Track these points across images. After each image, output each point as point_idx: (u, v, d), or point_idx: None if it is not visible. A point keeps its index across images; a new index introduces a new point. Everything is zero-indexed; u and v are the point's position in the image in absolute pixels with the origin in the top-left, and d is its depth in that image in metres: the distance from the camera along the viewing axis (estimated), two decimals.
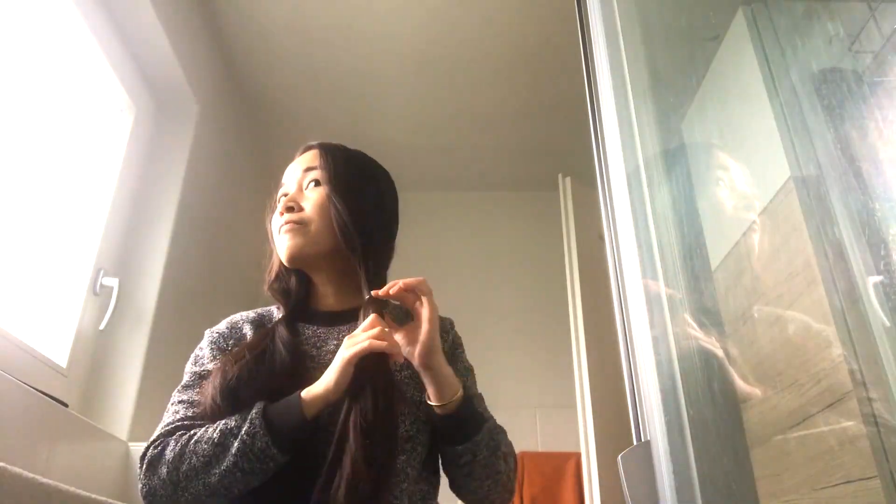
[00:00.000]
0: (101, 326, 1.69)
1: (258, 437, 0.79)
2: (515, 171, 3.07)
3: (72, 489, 0.99)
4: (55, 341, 1.56)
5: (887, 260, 0.99)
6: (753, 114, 1.34)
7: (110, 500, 1.12)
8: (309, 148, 1.08)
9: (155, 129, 2.04)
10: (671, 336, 0.80)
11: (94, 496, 1.06)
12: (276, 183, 1.08)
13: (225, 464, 0.79)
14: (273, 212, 1.05)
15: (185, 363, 0.99)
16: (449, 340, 1.04)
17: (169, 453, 0.82)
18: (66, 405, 1.39)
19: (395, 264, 1.07)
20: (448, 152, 2.95)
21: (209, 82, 2.25)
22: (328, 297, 1.03)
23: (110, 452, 1.55)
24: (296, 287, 1.03)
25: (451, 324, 1.09)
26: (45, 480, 0.92)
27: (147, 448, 0.85)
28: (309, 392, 0.82)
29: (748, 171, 1.34)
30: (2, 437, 1.14)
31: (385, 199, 1.07)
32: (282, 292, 1.03)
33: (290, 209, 0.99)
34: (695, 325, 1.00)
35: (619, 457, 0.69)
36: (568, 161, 2.56)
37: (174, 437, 0.84)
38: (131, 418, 1.66)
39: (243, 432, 0.79)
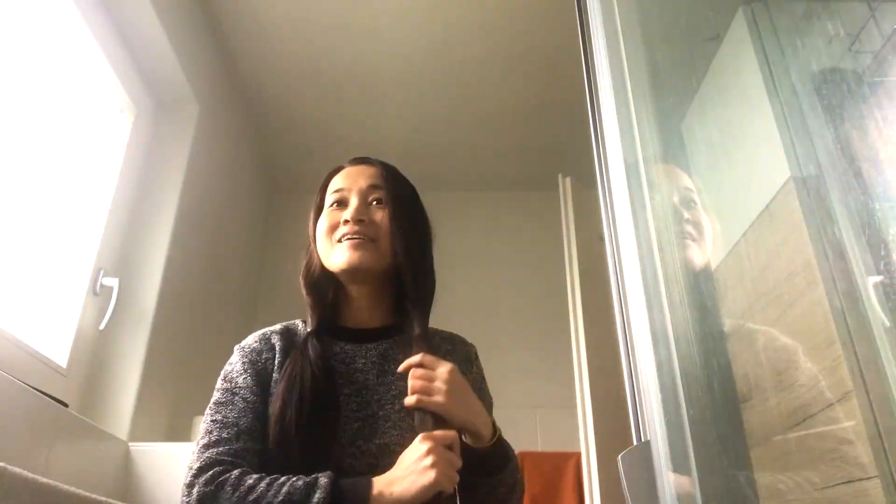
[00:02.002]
0: (101, 326, 1.69)
1: None
2: (515, 171, 3.07)
3: (72, 489, 0.99)
4: (55, 341, 1.56)
5: (887, 260, 0.99)
6: (753, 114, 1.34)
7: (110, 500, 1.12)
8: (365, 161, 1.08)
9: (155, 129, 2.04)
10: (671, 336, 0.79)
11: (94, 496, 1.06)
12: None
13: None
14: (319, 212, 1.04)
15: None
16: (474, 372, 1.04)
17: (225, 501, 0.78)
18: (66, 405, 1.39)
19: None
20: (448, 152, 2.95)
21: (209, 82, 2.25)
22: (361, 311, 1.02)
23: (110, 452, 1.55)
24: (331, 297, 1.03)
25: (476, 354, 1.07)
26: (45, 480, 0.92)
27: (194, 478, 0.81)
28: (379, 488, 0.80)
29: (748, 171, 1.34)
30: (2, 437, 1.14)
31: (429, 229, 1.10)
32: (317, 296, 1.01)
33: (361, 221, 0.99)
34: (695, 324, 1.00)
35: (619, 457, 0.69)
36: (568, 161, 2.56)
37: (226, 477, 0.81)
38: (131, 418, 1.66)
39: None
